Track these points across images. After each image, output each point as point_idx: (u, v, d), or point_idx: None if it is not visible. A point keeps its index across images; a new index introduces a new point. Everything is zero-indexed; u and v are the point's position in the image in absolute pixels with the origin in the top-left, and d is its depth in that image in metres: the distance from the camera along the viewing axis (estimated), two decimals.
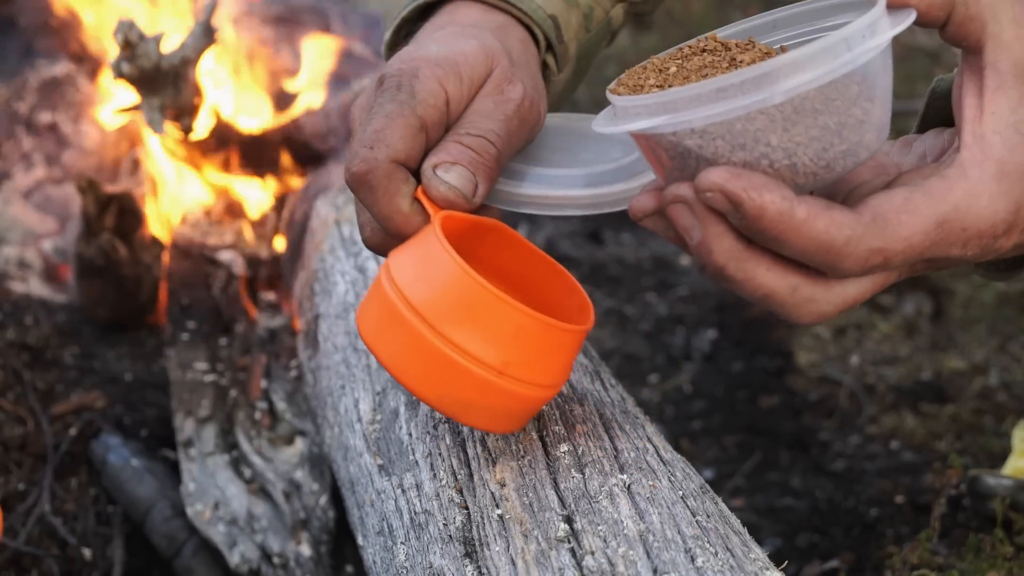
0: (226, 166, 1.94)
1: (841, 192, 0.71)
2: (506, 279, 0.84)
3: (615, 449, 0.80)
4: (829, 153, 0.65)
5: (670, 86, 0.67)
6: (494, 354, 0.73)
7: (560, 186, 0.84)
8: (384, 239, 0.82)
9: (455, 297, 0.73)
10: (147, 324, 1.77)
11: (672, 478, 0.77)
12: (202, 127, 1.88)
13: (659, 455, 0.80)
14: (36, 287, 1.84)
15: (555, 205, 0.84)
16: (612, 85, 0.70)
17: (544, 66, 0.93)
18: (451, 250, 0.73)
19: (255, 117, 2.02)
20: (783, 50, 0.68)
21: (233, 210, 1.92)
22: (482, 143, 0.80)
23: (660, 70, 0.69)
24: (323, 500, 1.34)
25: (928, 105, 0.77)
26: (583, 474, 0.77)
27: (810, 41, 0.63)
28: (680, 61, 0.69)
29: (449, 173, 0.78)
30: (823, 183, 0.66)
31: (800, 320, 0.69)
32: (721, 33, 0.72)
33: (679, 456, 0.83)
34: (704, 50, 0.70)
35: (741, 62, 0.66)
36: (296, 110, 2.00)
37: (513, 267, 0.84)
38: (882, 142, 0.67)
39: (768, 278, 0.67)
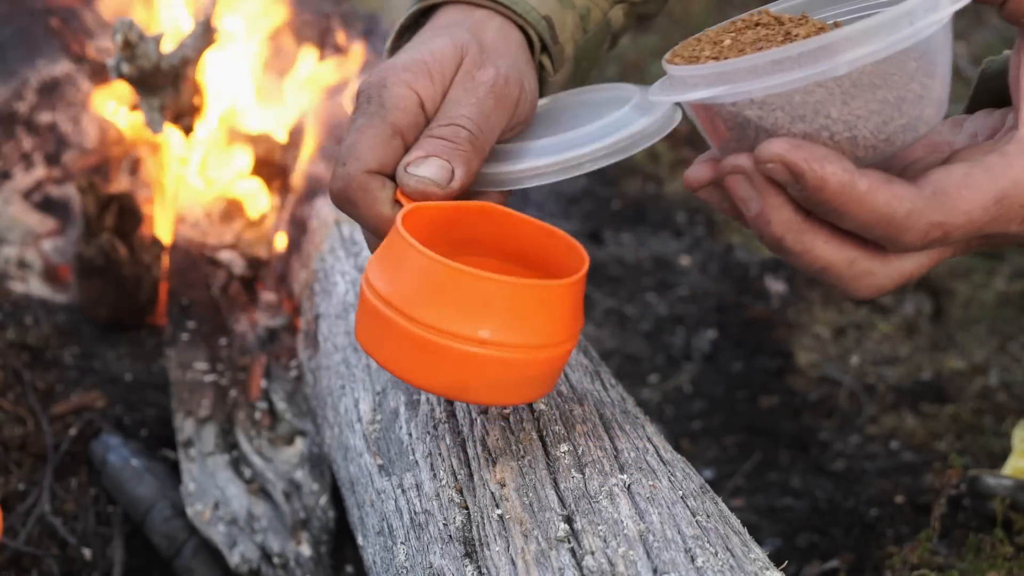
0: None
1: (895, 168, 0.70)
2: (506, 256, 0.84)
3: (615, 449, 0.80)
4: (889, 127, 0.65)
5: (725, 58, 0.67)
6: (470, 326, 0.72)
7: (536, 156, 0.84)
8: None
9: (419, 279, 0.73)
10: (147, 324, 1.76)
11: (672, 478, 0.77)
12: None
13: (659, 455, 0.80)
14: (36, 287, 1.84)
15: (533, 176, 0.84)
16: (667, 56, 0.70)
17: (540, 67, 0.93)
18: (406, 234, 0.74)
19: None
20: (836, 25, 0.68)
21: (233, 210, 1.91)
22: (453, 130, 0.81)
23: (715, 42, 0.69)
24: (323, 500, 1.34)
25: (978, 86, 0.77)
26: (583, 474, 0.77)
27: (863, 17, 0.63)
28: (734, 34, 0.69)
29: (420, 167, 0.79)
30: (883, 156, 0.66)
31: (857, 294, 0.69)
32: (773, 8, 0.72)
33: (679, 456, 0.83)
34: (758, 24, 0.70)
35: (796, 36, 0.66)
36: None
37: (511, 242, 0.84)
38: (941, 117, 0.67)
39: (826, 250, 0.67)
